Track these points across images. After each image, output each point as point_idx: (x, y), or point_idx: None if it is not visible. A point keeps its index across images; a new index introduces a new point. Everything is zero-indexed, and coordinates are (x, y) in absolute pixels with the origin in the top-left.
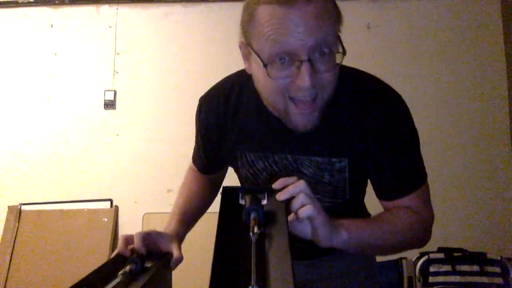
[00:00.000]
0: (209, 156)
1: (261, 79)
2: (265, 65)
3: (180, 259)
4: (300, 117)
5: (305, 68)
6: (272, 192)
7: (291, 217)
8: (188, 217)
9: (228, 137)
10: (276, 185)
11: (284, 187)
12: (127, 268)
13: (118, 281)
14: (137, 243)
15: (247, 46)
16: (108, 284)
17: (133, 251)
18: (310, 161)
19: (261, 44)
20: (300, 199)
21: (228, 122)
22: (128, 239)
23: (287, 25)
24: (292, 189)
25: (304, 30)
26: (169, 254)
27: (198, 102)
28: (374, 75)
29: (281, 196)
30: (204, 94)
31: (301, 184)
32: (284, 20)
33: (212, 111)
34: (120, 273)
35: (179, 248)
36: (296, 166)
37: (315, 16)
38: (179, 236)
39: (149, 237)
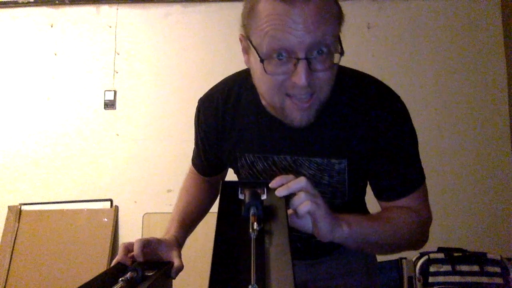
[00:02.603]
0: (209, 158)
1: (258, 74)
2: (262, 60)
3: (180, 268)
4: (296, 112)
5: (301, 66)
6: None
7: (290, 211)
8: (188, 222)
9: (227, 139)
10: (273, 184)
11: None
12: (128, 275)
13: (119, 287)
14: (136, 251)
15: (246, 39)
16: None
17: (133, 259)
18: (310, 162)
19: (260, 39)
20: (301, 197)
21: (227, 123)
22: (129, 247)
23: (286, 22)
24: (293, 185)
25: (303, 28)
26: (170, 263)
27: (196, 104)
28: (374, 76)
29: (280, 192)
30: (203, 96)
31: (302, 181)
32: (284, 17)
33: (211, 113)
34: (121, 279)
35: (180, 256)
36: (296, 168)
37: (315, 15)
38: (179, 242)
39: (149, 245)
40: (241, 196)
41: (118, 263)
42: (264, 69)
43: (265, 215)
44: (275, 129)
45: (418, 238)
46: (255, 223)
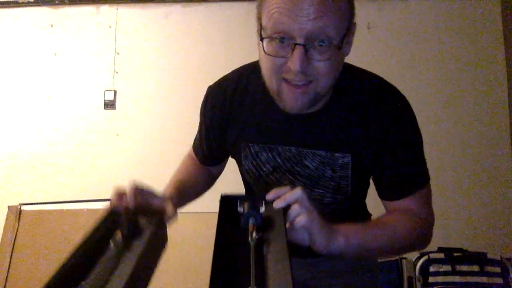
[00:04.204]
0: (212, 146)
1: (260, 54)
2: (261, 39)
3: (173, 216)
4: (290, 97)
5: (297, 52)
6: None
7: (287, 225)
8: (183, 194)
9: (233, 128)
10: (269, 196)
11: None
12: (119, 236)
13: (112, 253)
14: (129, 200)
15: (258, 20)
16: (102, 255)
17: (126, 206)
18: (314, 154)
19: (266, 20)
20: (296, 208)
21: (234, 112)
22: (122, 193)
23: (291, 7)
24: (289, 197)
25: (306, 15)
26: (163, 210)
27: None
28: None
29: (277, 204)
30: (213, 84)
31: (298, 192)
32: (290, 1)
33: (219, 101)
34: (112, 243)
35: (173, 207)
36: (300, 159)
37: (320, 5)
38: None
39: (142, 193)
40: (240, 209)
41: (110, 211)
42: (263, 48)
43: (263, 227)
44: (281, 119)
45: (419, 241)
46: (254, 232)
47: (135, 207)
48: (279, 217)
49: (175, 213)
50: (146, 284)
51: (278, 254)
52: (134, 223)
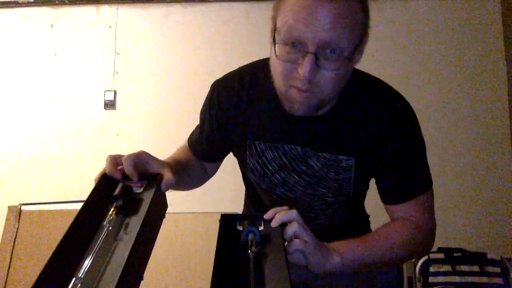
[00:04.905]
0: (214, 142)
1: (271, 56)
2: (274, 43)
3: (171, 181)
4: (295, 100)
5: (308, 59)
6: (268, 220)
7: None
8: (180, 169)
9: (238, 126)
10: (268, 215)
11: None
12: (113, 213)
13: (106, 232)
14: (127, 168)
15: (273, 20)
16: (97, 236)
17: (122, 172)
18: (318, 156)
19: (281, 24)
20: (293, 227)
21: (240, 110)
22: (117, 159)
23: (306, 15)
24: (285, 216)
25: (320, 24)
26: (160, 175)
27: (210, 86)
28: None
29: (274, 223)
30: (219, 79)
31: (293, 212)
32: (305, 9)
33: (225, 97)
34: (105, 222)
35: (171, 172)
36: (305, 158)
37: (335, 16)
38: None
39: (139, 159)
40: (239, 228)
41: (106, 177)
42: (275, 52)
43: (262, 243)
44: (287, 119)
45: (419, 250)
46: (253, 246)
47: (131, 172)
48: (278, 234)
49: (173, 179)
50: (146, 261)
51: (276, 264)
52: (130, 191)
